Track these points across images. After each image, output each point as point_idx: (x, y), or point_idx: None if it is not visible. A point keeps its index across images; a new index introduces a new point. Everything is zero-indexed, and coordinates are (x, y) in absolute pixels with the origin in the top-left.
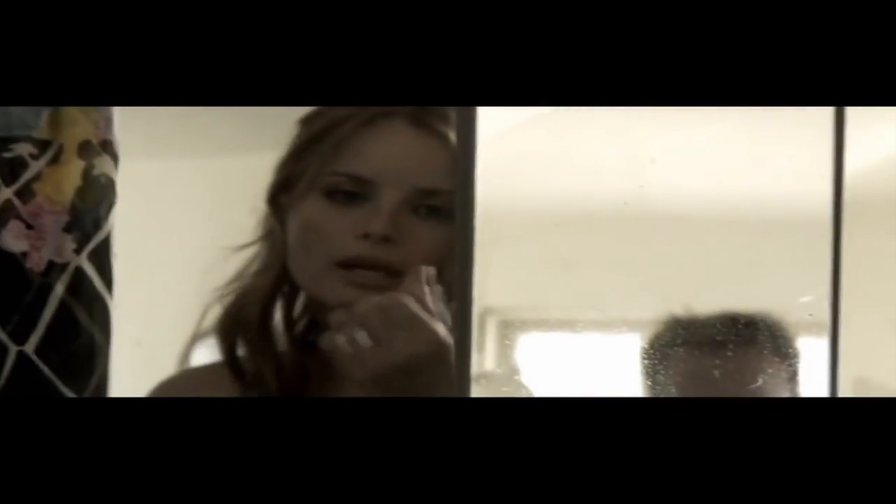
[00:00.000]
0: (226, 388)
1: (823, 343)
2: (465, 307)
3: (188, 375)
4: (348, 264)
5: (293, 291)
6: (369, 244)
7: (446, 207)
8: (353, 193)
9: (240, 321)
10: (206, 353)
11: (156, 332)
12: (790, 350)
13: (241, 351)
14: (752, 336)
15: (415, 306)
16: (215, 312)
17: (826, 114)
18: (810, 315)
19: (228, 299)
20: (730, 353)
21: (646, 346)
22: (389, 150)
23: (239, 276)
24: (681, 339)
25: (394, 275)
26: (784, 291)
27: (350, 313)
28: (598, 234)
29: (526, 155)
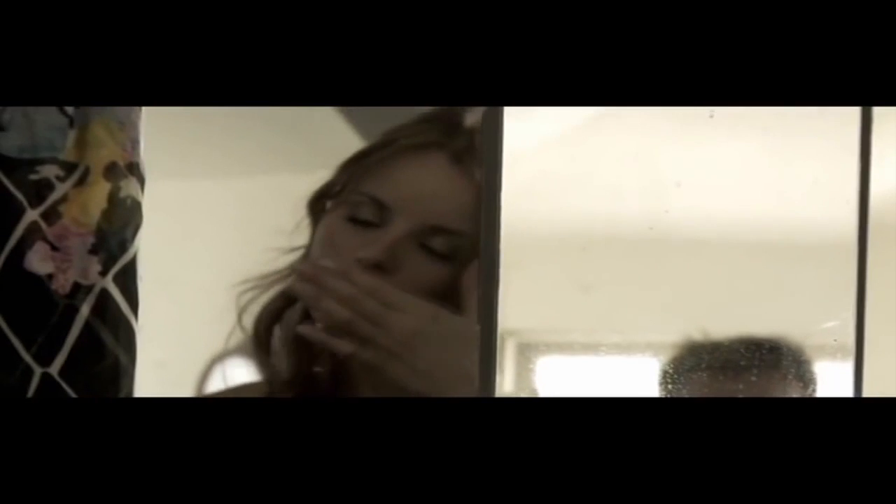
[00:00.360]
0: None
1: (848, 367)
2: (490, 331)
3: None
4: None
5: None
6: (362, 269)
7: (454, 250)
8: (370, 216)
9: (278, 317)
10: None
11: (179, 353)
12: (811, 375)
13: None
14: (775, 360)
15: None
16: (250, 309)
17: (852, 137)
18: (835, 340)
19: (267, 295)
20: (753, 378)
21: (666, 369)
22: (415, 181)
23: (275, 273)
24: (703, 364)
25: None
26: (808, 316)
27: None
28: (620, 258)
29: (548, 177)
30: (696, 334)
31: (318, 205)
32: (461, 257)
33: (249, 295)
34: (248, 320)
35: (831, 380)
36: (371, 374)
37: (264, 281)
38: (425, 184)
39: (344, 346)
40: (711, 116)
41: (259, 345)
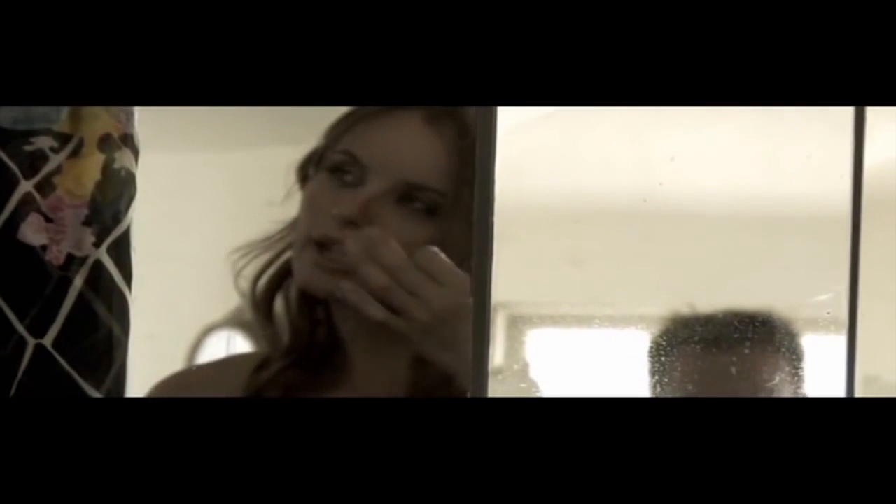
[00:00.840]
0: (235, 383)
1: (841, 341)
2: (483, 304)
3: (192, 372)
4: (319, 243)
5: None
6: (338, 226)
7: (436, 207)
8: (350, 174)
9: (279, 284)
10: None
11: (171, 325)
12: (803, 348)
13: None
14: (768, 334)
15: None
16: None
17: (846, 111)
18: (828, 313)
19: (262, 260)
20: (746, 351)
21: (658, 342)
22: (392, 140)
23: (269, 238)
24: (695, 337)
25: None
26: (801, 289)
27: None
28: (612, 231)
29: (539, 150)
30: (686, 308)
31: (305, 171)
32: (441, 215)
33: (244, 261)
34: (245, 285)
35: (824, 353)
36: (375, 341)
37: (259, 246)
38: (400, 143)
39: (378, 312)
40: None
41: (259, 311)
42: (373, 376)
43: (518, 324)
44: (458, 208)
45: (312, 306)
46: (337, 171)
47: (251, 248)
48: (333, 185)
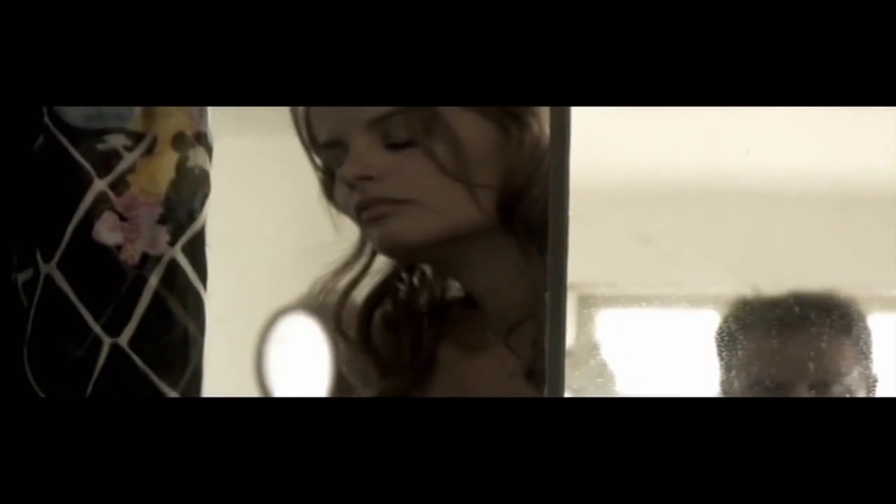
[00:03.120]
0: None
1: None
2: (559, 286)
3: None
4: (359, 209)
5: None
6: (358, 190)
7: (413, 135)
8: (333, 158)
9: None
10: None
11: (241, 310)
12: (866, 329)
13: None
14: (829, 316)
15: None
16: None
17: None
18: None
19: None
20: (813, 333)
21: (725, 326)
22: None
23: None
24: (759, 320)
25: (398, 202)
26: (878, 269)
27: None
28: (682, 210)
29: (606, 130)
30: (750, 291)
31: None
32: (420, 139)
33: (329, 296)
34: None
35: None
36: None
37: (334, 277)
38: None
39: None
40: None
41: (362, 342)
42: (463, 372)
43: (586, 304)
44: (422, 123)
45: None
46: (328, 163)
47: (328, 282)
48: (334, 163)
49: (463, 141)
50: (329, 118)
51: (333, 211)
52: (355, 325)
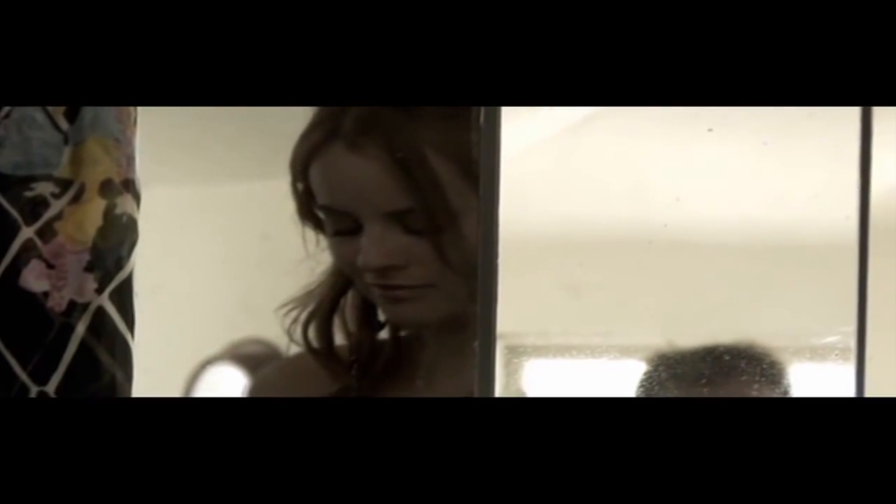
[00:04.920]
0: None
1: (850, 370)
2: (488, 335)
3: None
4: (377, 286)
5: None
6: (377, 276)
7: (423, 224)
8: (346, 226)
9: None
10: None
11: (169, 360)
12: (786, 380)
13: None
14: (750, 367)
15: None
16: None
17: (853, 141)
18: (836, 341)
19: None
20: (733, 385)
21: (653, 374)
22: (348, 178)
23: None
24: (679, 372)
25: (418, 287)
26: (808, 318)
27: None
28: (612, 261)
29: (537, 179)
30: (667, 345)
31: (304, 211)
32: (430, 230)
33: (294, 313)
34: (298, 334)
35: (834, 382)
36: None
37: (303, 298)
38: (356, 178)
39: None
40: (710, 130)
41: (321, 353)
42: (442, 370)
43: (513, 354)
44: (436, 218)
45: (370, 321)
46: (338, 233)
47: (297, 302)
48: (341, 239)
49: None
50: (343, 190)
51: (304, 229)
52: (317, 335)
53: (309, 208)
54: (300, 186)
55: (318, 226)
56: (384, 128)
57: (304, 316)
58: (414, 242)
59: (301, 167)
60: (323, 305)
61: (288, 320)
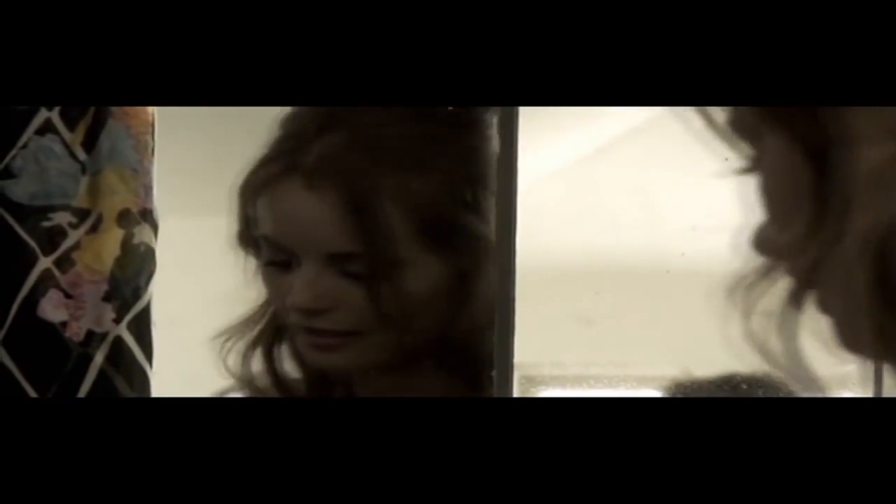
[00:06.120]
0: None
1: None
2: (505, 366)
3: None
4: (301, 329)
5: None
6: (303, 316)
7: (363, 269)
8: (283, 259)
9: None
10: None
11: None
12: None
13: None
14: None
15: None
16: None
17: None
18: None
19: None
20: None
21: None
22: (295, 214)
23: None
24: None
25: (346, 334)
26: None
27: None
28: (624, 290)
29: (552, 210)
30: (682, 375)
31: (244, 240)
32: (369, 276)
33: (230, 344)
34: (236, 366)
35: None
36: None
37: (240, 328)
38: (305, 216)
39: None
40: (726, 160)
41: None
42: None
43: (529, 384)
44: (379, 265)
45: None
46: (271, 263)
47: (233, 332)
48: (274, 271)
49: (409, 291)
50: (289, 224)
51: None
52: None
53: (250, 234)
54: (248, 212)
55: (255, 253)
56: (345, 170)
57: (241, 346)
58: (347, 286)
59: (251, 194)
60: (265, 334)
61: (225, 350)
